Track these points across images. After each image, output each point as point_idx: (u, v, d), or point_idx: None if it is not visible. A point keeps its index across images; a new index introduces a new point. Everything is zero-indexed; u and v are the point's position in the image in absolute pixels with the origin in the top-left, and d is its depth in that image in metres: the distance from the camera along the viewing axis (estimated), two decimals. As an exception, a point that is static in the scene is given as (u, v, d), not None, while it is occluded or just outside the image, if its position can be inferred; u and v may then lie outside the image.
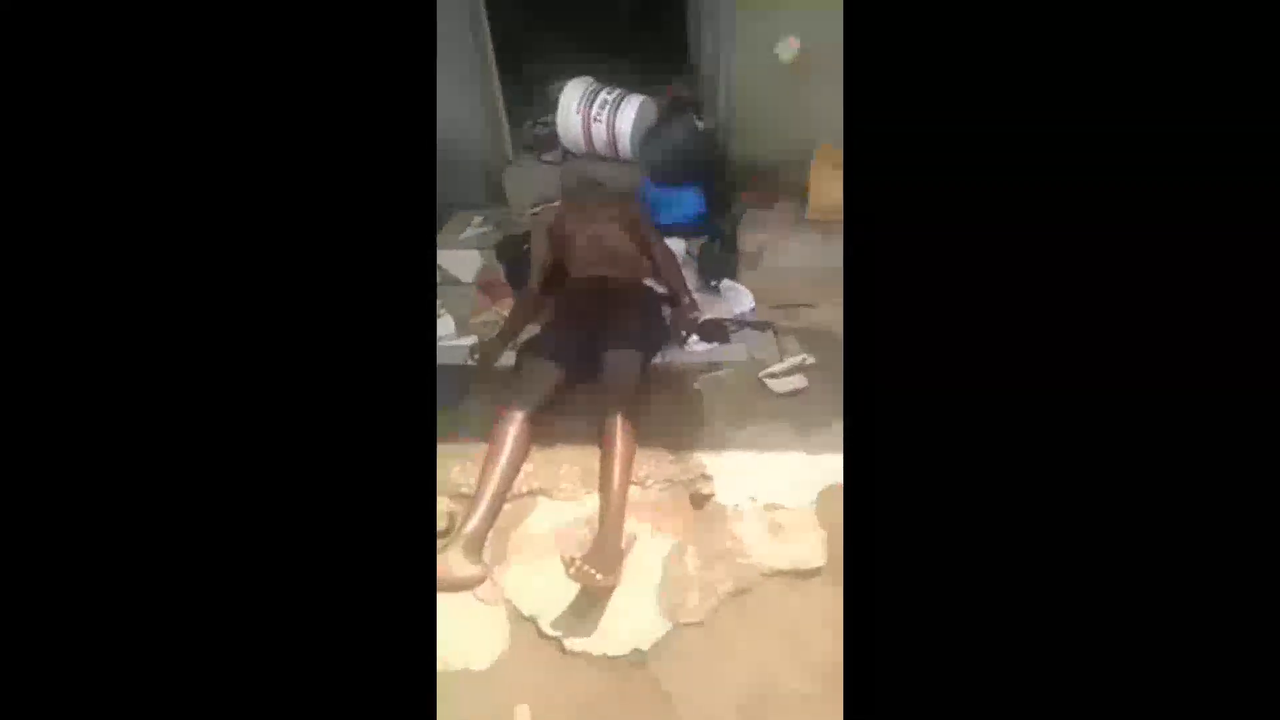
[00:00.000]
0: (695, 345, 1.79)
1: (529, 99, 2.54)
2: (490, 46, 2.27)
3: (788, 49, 2.09)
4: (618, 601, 1.21)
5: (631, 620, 1.18)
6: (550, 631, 1.17)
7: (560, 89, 2.32)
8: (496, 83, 2.35)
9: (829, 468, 1.41)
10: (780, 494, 1.37)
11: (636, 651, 1.14)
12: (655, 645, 1.15)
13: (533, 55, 2.65)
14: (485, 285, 2.07)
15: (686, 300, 1.84)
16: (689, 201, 2.15)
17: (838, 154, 2.10)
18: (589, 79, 2.34)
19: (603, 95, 2.27)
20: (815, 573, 1.23)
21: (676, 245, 2.05)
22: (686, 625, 1.17)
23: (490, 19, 2.22)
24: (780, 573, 1.24)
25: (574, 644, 1.15)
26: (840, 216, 2.09)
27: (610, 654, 1.14)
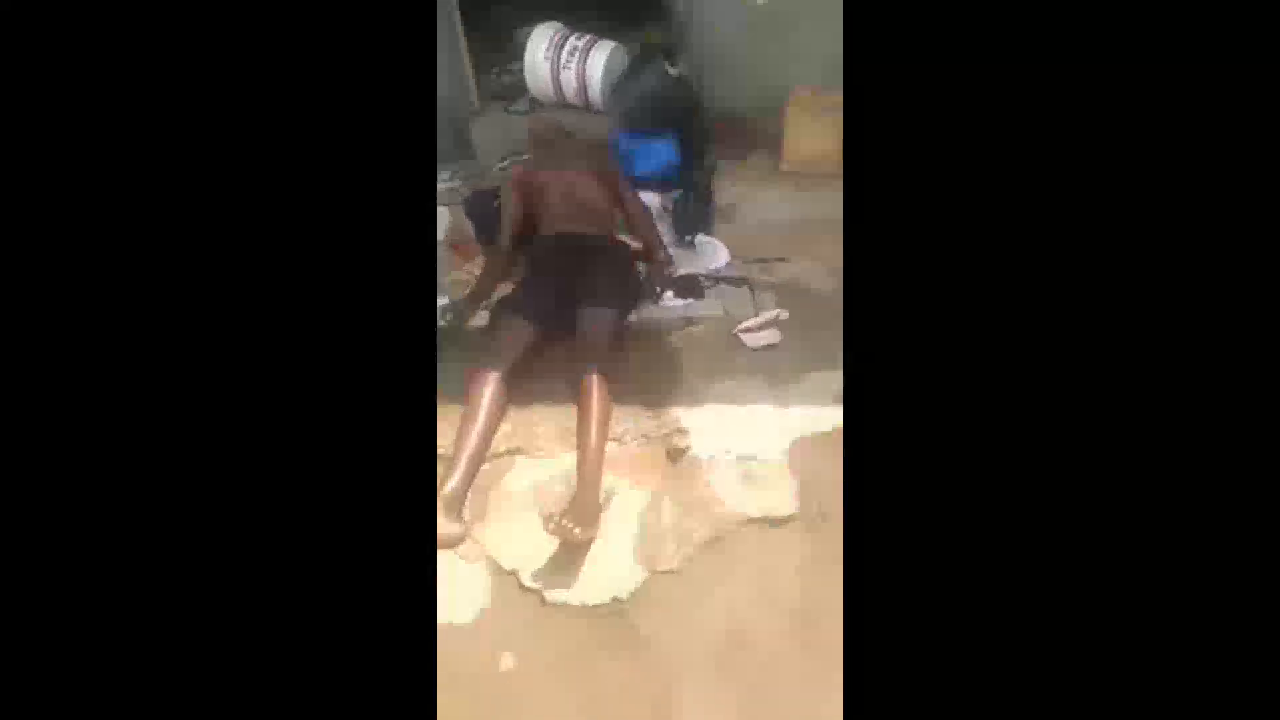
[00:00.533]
0: (670, 301, 1.78)
1: (495, 46, 2.43)
2: (452, -11, 2.15)
3: (762, -10, 2.01)
4: (596, 553, 1.23)
5: (610, 570, 1.21)
6: (531, 584, 1.20)
7: (527, 35, 2.22)
8: (460, 29, 2.24)
9: (801, 420, 1.44)
10: (754, 446, 1.40)
11: (615, 600, 1.17)
12: (633, 593, 1.18)
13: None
14: (455, 244, 2.02)
15: (661, 255, 1.83)
16: (662, 152, 2.10)
17: (814, 100, 2.05)
18: (557, 24, 2.24)
19: (571, 41, 2.18)
20: (787, 520, 1.27)
21: (650, 199, 2.02)
22: (663, 573, 1.20)
23: (451, -42, 2.10)
24: (753, 521, 1.27)
25: (554, 595, 1.18)
26: (817, 169, 2.06)
27: (589, 603, 1.17)
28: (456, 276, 1.93)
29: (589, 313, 1.55)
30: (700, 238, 1.95)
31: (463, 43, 2.26)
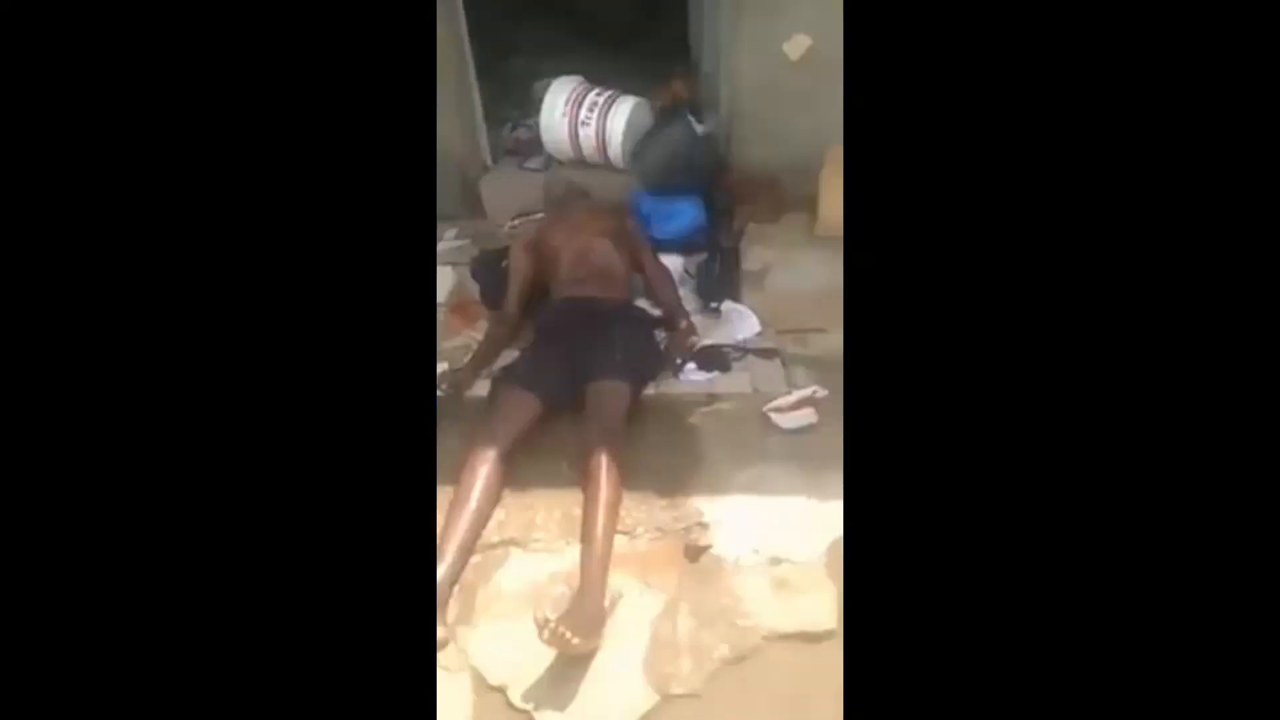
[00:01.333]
0: (692, 374, 1.79)
1: (509, 98, 2.58)
2: (466, 38, 2.30)
3: (797, 46, 2.13)
4: (599, 669, 1.20)
5: (614, 691, 1.18)
6: (520, 704, 1.17)
7: (545, 88, 2.35)
8: (473, 79, 2.37)
9: (842, 516, 1.40)
10: (786, 545, 1.37)
11: (620, 729, 1.13)
12: (641, 721, 1.14)
13: (515, 49, 2.69)
14: (457, 306, 2.08)
15: (683, 323, 1.87)
16: (686, 214, 2.17)
17: (851, 162, 2.12)
18: (578, 78, 2.38)
19: (592, 96, 2.31)
20: (826, 636, 1.22)
21: (673, 262, 2.07)
22: (678, 697, 1.17)
23: (467, 7, 2.25)
24: (785, 636, 1.23)
25: (547, 718, 1.15)
26: (854, 231, 2.11)
27: (589, 731, 1.13)
28: (457, 342, 1.97)
29: (600, 386, 1.57)
30: (727, 304, 1.98)
31: (476, 94, 2.40)
